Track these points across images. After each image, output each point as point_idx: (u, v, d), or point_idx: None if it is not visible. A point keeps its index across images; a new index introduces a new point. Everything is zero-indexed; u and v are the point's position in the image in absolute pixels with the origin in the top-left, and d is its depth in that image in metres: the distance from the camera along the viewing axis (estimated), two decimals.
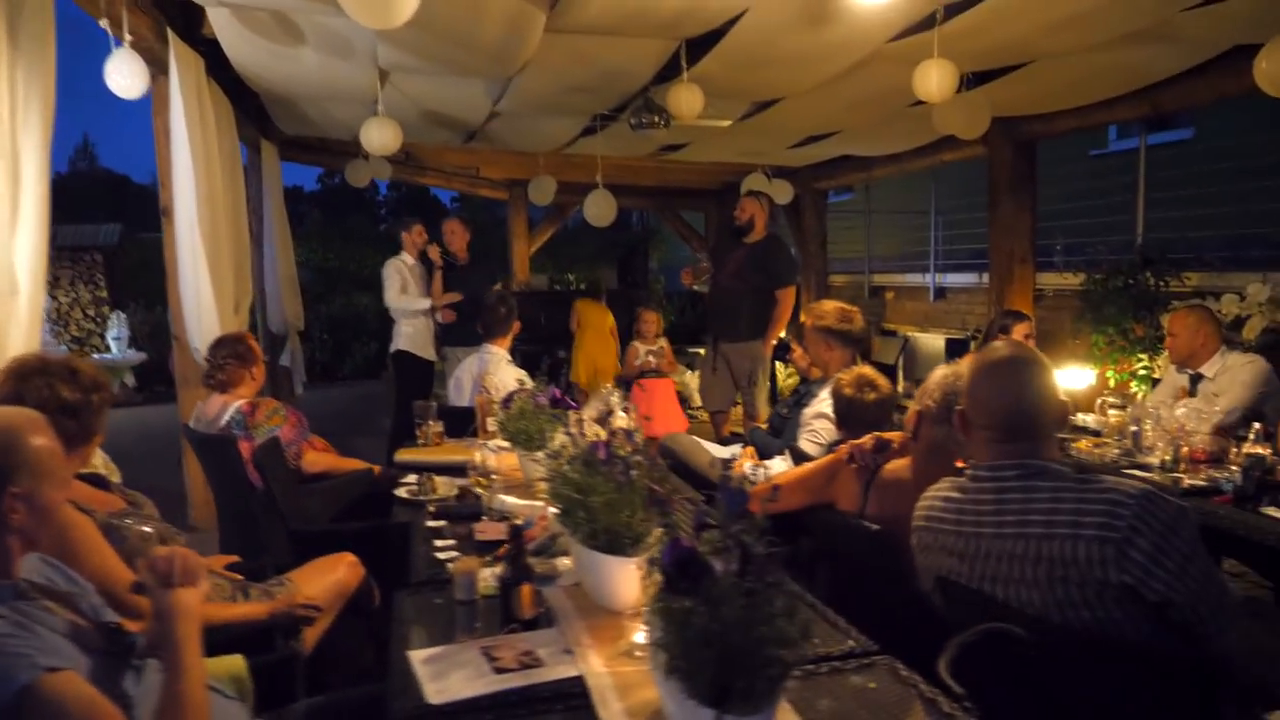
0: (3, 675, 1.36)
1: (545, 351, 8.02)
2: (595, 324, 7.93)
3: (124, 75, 3.71)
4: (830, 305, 3.88)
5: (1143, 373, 5.64)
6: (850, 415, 2.99)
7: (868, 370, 3.13)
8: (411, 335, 6.51)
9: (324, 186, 39.37)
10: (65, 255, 11.68)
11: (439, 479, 3.03)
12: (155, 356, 11.05)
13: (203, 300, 4.85)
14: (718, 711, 1.21)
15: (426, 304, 6.46)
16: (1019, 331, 4.75)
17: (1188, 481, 3.05)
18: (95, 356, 11.17)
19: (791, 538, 1.51)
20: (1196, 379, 4.02)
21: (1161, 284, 5.81)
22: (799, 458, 3.39)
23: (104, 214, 14.61)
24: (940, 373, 2.37)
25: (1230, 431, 3.38)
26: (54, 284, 11.52)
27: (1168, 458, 3.20)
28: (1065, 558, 1.66)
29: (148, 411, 10.45)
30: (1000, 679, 1.55)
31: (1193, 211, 7.69)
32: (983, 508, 1.82)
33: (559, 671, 1.66)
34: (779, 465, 3.71)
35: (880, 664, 1.68)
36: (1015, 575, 1.73)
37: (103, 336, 11.34)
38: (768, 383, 6.54)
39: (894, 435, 2.49)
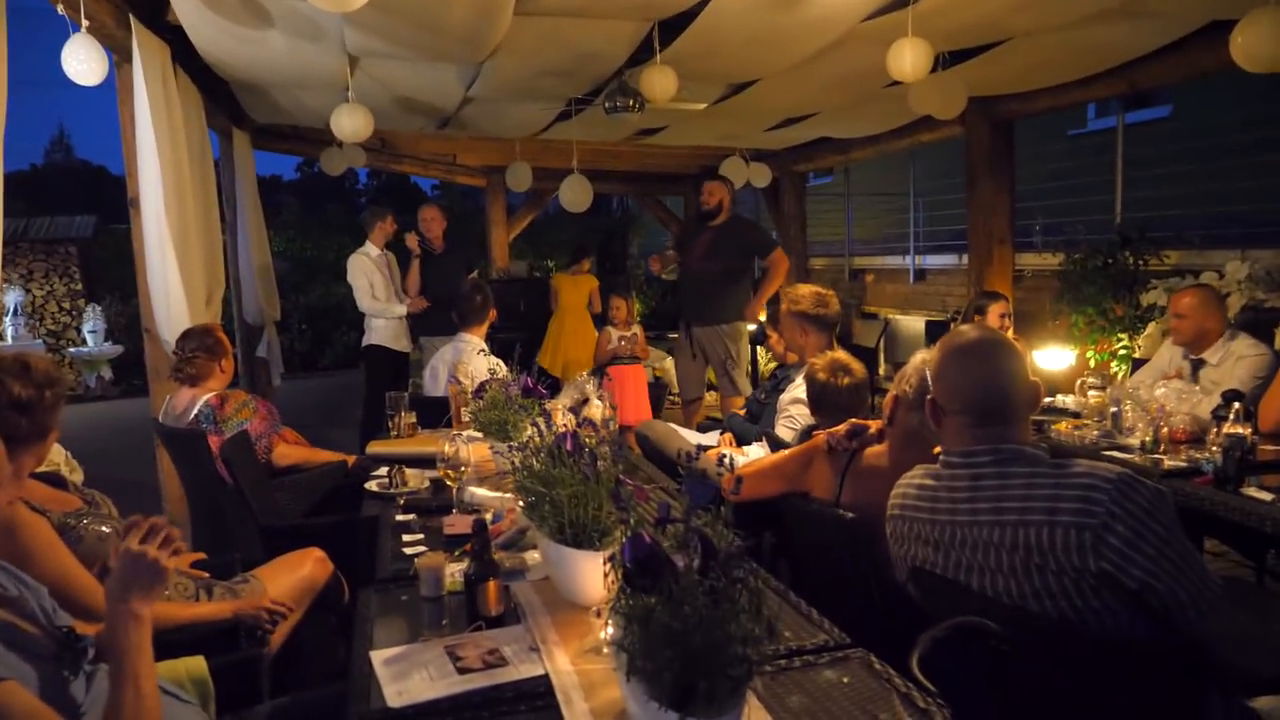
0: None
1: (526, 339, 7.95)
2: (574, 304, 7.83)
3: (81, 61, 3.61)
4: (806, 289, 3.84)
5: (1123, 353, 5.63)
6: (824, 401, 2.95)
7: (841, 355, 3.09)
8: (383, 328, 6.44)
9: (302, 176, 39.09)
10: (39, 248, 11.52)
11: (410, 471, 2.98)
12: (132, 349, 10.90)
13: (172, 292, 4.75)
14: (681, 713, 1.17)
15: (402, 310, 6.40)
16: (994, 311, 4.74)
17: (1168, 463, 3.03)
18: (71, 350, 11.04)
19: (755, 530, 1.45)
20: (1198, 364, 3.88)
21: (1141, 263, 5.79)
22: (776, 445, 3.36)
23: (81, 206, 14.43)
24: (918, 358, 2.33)
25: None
26: (28, 277, 11.36)
27: (1148, 439, 3.18)
28: (1042, 545, 1.62)
29: (125, 405, 10.34)
30: (976, 672, 1.51)
31: (1171, 190, 7.69)
32: (957, 495, 1.78)
33: (524, 671, 1.62)
34: (757, 452, 3.68)
35: (854, 658, 1.64)
36: (991, 564, 1.69)
37: (78, 330, 11.19)
38: (748, 365, 6.55)
39: (871, 422, 2.45)
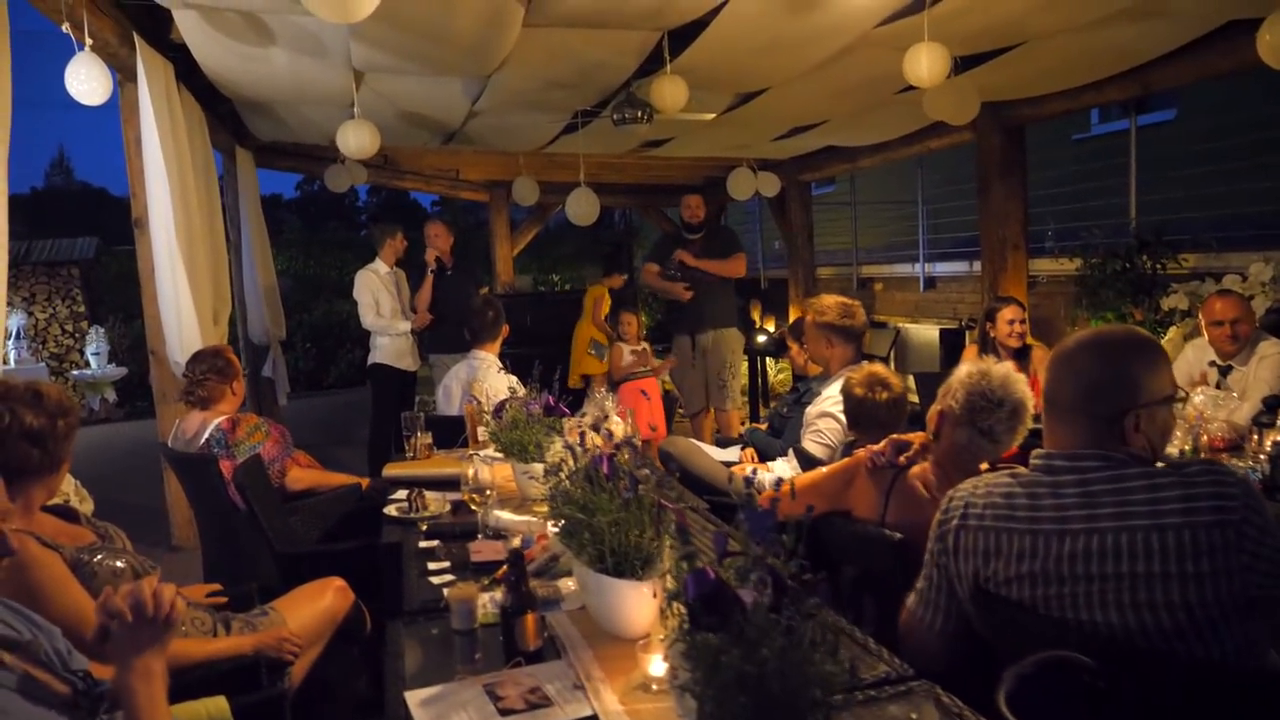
0: None
1: (535, 355, 7.80)
2: (586, 313, 7.67)
3: (84, 80, 3.55)
4: (831, 300, 3.76)
5: None
6: (861, 416, 2.86)
7: (879, 369, 3.00)
8: (387, 346, 6.32)
9: (303, 194, 39.10)
10: (41, 270, 11.46)
11: (430, 494, 2.89)
12: (136, 371, 10.83)
13: (182, 313, 4.69)
14: None
15: (406, 326, 6.29)
16: (1004, 317, 4.63)
17: None
18: (75, 373, 10.96)
19: (829, 563, 1.35)
20: (1227, 369, 3.80)
21: (1159, 267, 5.71)
22: (804, 459, 3.27)
23: (82, 228, 14.36)
24: (963, 371, 2.24)
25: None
26: (30, 300, 11.30)
27: (1186, 447, 3.09)
28: (1183, 549, 1.51)
29: (130, 427, 10.27)
30: (1070, 711, 1.40)
31: (1180, 193, 7.62)
32: (1065, 501, 1.63)
33: (570, 711, 1.53)
34: (782, 467, 3.59)
35: (919, 690, 1.54)
36: (1109, 573, 1.56)
37: (82, 352, 11.12)
38: (744, 376, 6.59)
39: (913, 436, 2.36)
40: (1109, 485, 1.60)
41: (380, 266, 6.35)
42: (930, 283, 9.56)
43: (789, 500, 2.36)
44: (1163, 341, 5.32)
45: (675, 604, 1.20)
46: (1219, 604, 1.50)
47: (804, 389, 4.02)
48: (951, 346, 7.25)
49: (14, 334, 10.43)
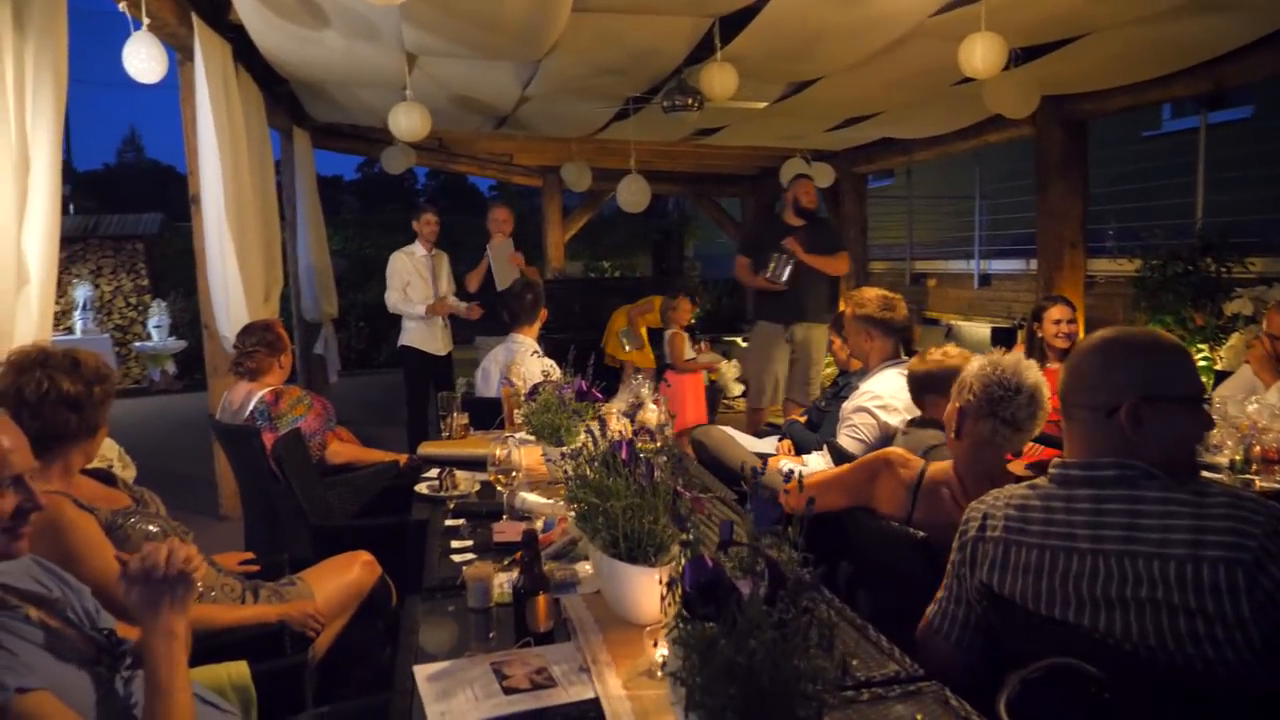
0: None
1: (584, 341, 7.82)
2: (637, 304, 7.67)
3: (141, 59, 3.63)
4: (872, 293, 3.69)
5: (1203, 364, 5.38)
6: (931, 386, 2.80)
7: (937, 351, 2.96)
8: (414, 330, 6.28)
9: (363, 175, 39.66)
10: (108, 244, 11.78)
11: (461, 474, 2.91)
12: (195, 344, 11.06)
13: (231, 288, 4.79)
14: None
15: (420, 310, 6.22)
16: (1052, 315, 4.43)
17: (1260, 483, 2.84)
18: (137, 345, 11.27)
19: (825, 554, 1.32)
20: None
21: (1224, 270, 5.53)
22: (838, 454, 3.23)
23: (150, 204, 14.72)
24: (976, 364, 2.20)
25: None
26: (97, 273, 11.63)
27: (1238, 458, 2.99)
28: (1184, 582, 1.43)
29: (187, 399, 10.52)
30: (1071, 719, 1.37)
31: (1254, 194, 7.36)
32: (1076, 518, 1.58)
33: (573, 693, 1.53)
34: (817, 461, 3.55)
35: (927, 691, 1.51)
36: (1113, 597, 1.50)
37: (144, 325, 11.42)
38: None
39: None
40: (1122, 505, 1.54)
41: (417, 249, 6.30)
42: (985, 280, 9.39)
43: (803, 494, 2.35)
44: (1223, 348, 5.16)
45: (673, 591, 1.19)
46: (1232, 644, 1.40)
47: (843, 383, 3.97)
48: (1003, 346, 7.11)
49: (81, 305, 10.75)
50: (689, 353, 6.63)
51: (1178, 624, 1.43)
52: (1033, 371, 2.16)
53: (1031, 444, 2.76)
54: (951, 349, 2.93)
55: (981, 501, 1.77)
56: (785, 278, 5.89)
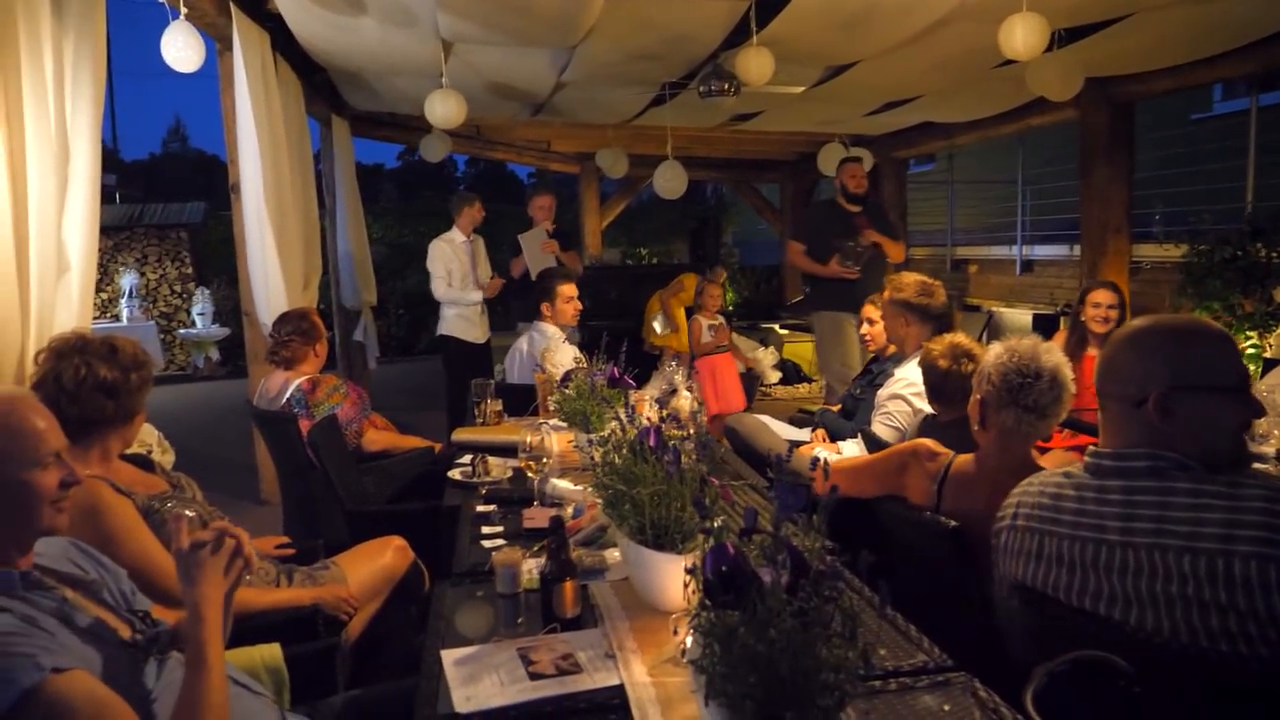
0: (3, 679, 1.28)
1: (621, 328, 7.84)
2: (670, 287, 7.69)
3: (178, 48, 3.67)
4: (911, 278, 3.65)
5: (1252, 352, 5.24)
6: (946, 389, 2.77)
7: (961, 339, 2.88)
8: (455, 319, 6.29)
9: (404, 164, 39.96)
10: (153, 233, 11.98)
11: (493, 460, 2.92)
12: (238, 332, 11.24)
13: (270, 276, 4.84)
14: None
15: (478, 297, 6.22)
16: (1094, 299, 4.30)
17: None
18: (181, 332, 11.46)
19: (849, 542, 1.31)
20: None
21: (1274, 255, 5.38)
22: (872, 442, 3.19)
23: (194, 193, 14.97)
24: (994, 353, 2.16)
25: None
26: (143, 261, 11.84)
27: None
28: (1215, 578, 1.39)
29: (231, 385, 10.68)
30: (1100, 713, 1.34)
31: None
32: (1107, 509, 1.55)
33: (598, 679, 1.53)
34: (851, 449, 3.52)
35: (956, 682, 1.49)
36: (1143, 593, 1.47)
37: (188, 312, 11.61)
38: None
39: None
40: (1152, 496, 1.50)
41: (456, 235, 6.28)
42: (1027, 266, 9.24)
43: (841, 483, 2.33)
44: (1273, 335, 5.03)
45: (694, 578, 1.19)
46: (1265, 641, 1.36)
47: (877, 370, 3.93)
48: (1045, 333, 6.98)
49: (127, 293, 10.95)
50: (705, 337, 6.60)
51: (1209, 620, 1.40)
52: (1052, 354, 2.11)
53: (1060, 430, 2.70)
54: (963, 341, 2.86)
55: (1017, 490, 1.75)
56: (850, 263, 5.73)
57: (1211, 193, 7.50)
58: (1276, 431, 2.98)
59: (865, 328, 4.11)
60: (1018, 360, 2.10)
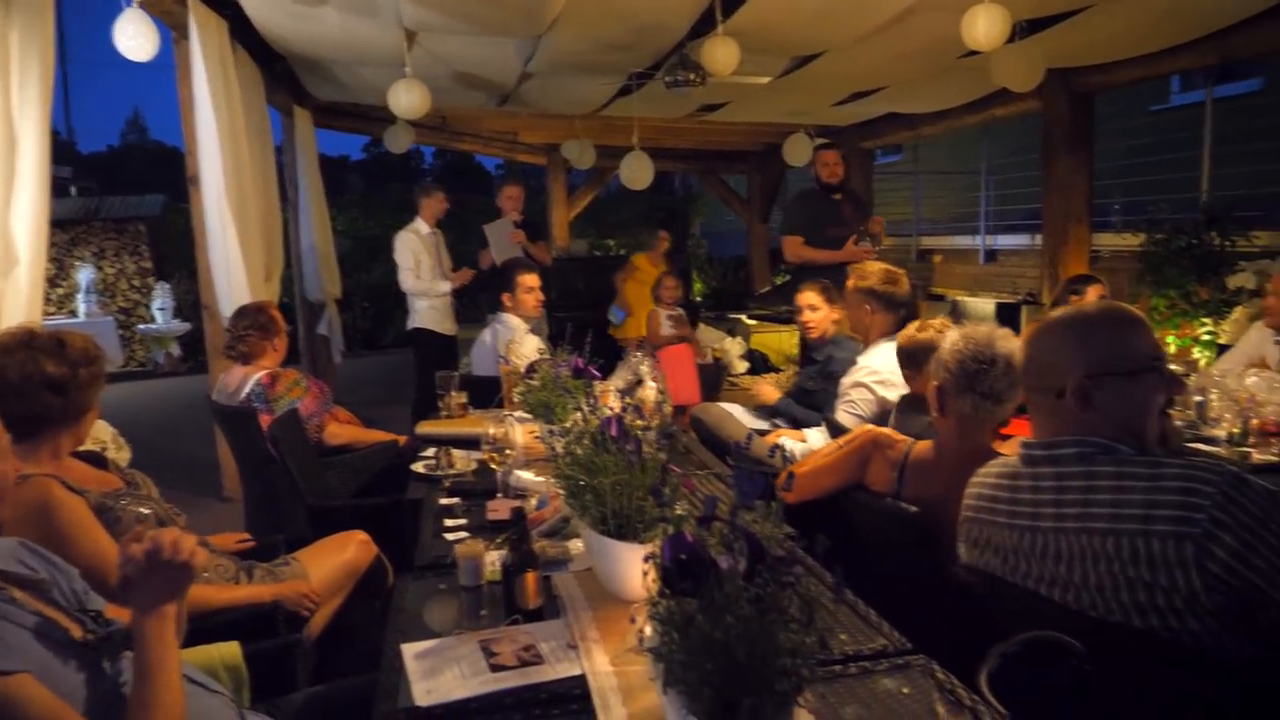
0: None
1: (589, 319, 7.82)
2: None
3: (130, 37, 3.60)
4: (876, 266, 3.67)
5: (1206, 338, 5.34)
6: (918, 356, 2.78)
7: (917, 323, 2.93)
8: (427, 311, 6.24)
9: (369, 155, 39.56)
10: (110, 226, 11.77)
11: (457, 453, 2.90)
12: (199, 326, 11.08)
13: (231, 269, 4.78)
14: None
15: (446, 288, 6.18)
16: (1093, 294, 4.38)
17: (1257, 456, 2.82)
18: (141, 327, 11.27)
19: (808, 528, 1.32)
20: None
21: (1228, 244, 5.47)
22: (835, 431, 3.21)
23: (154, 186, 14.70)
24: (949, 341, 2.18)
25: None
26: (100, 255, 11.63)
27: (1236, 430, 2.97)
28: (1137, 557, 1.43)
29: (192, 381, 10.53)
30: (1053, 693, 1.36)
31: (1262, 167, 7.28)
32: (1041, 496, 1.60)
33: (560, 670, 1.52)
34: (817, 437, 3.54)
35: (915, 665, 1.51)
36: (1076, 579, 1.51)
37: (148, 307, 11.42)
38: None
39: None
40: (1079, 481, 1.55)
41: (421, 226, 6.23)
42: (991, 255, 9.34)
43: (806, 482, 2.35)
44: (1227, 321, 5.12)
45: (652, 566, 1.18)
46: (1193, 614, 1.40)
47: (824, 359, 3.95)
48: (1007, 322, 7.07)
49: (84, 288, 10.76)
50: (665, 329, 6.61)
51: (1137, 597, 1.44)
52: (1007, 341, 2.14)
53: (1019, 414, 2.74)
54: (935, 321, 2.89)
55: (974, 481, 1.79)
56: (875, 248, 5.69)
57: (1169, 183, 7.63)
58: (1229, 415, 3.04)
59: (806, 314, 4.10)
60: (974, 347, 2.12)
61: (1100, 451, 1.55)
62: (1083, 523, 1.52)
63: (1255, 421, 2.96)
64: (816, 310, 4.04)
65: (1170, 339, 5.53)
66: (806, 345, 4.37)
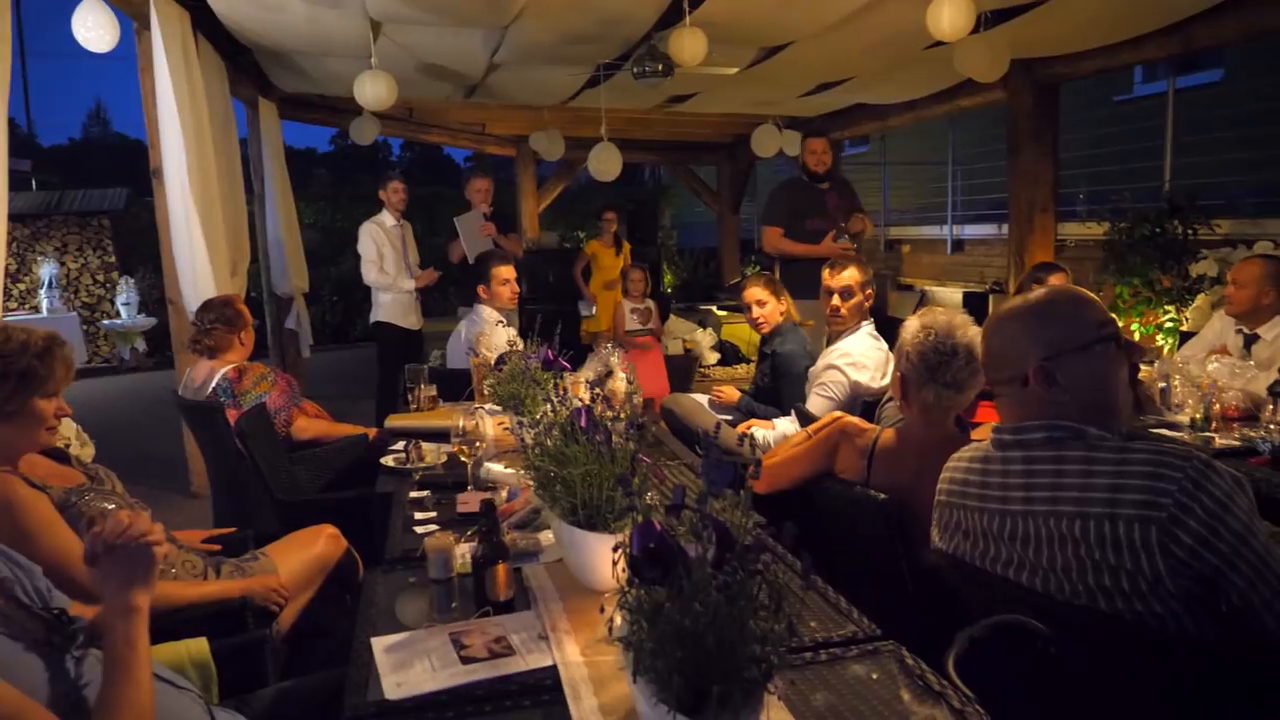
0: None
1: (558, 311, 7.80)
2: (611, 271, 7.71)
3: (90, 27, 3.54)
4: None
5: (1169, 325, 5.42)
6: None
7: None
8: (390, 304, 6.18)
9: (337, 148, 39.14)
10: (73, 221, 11.56)
11: (427, 446, 2.88)
12: (165, 321, 10.93)
13: (197, 263, 4.71)
14: (693, 718, 1.06)
15: (410, 285, 6.12)
16: (1055, 282, 4.44)
17: (1219, 441, 2.87)
18: (105, 323, 11.11)
19: (777, 516, 1.33)
20: (1251, 339, 3.69)
21: (1190, 232, 5.56)
22: (805, 419, 3.23)
23: (118, 179, 14.45)
24: (910, 331, 2.20)
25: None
26: (63, 250, 11.43)
27: (1198, 416, 3.02)
28: (1103, 540, 1.44)
29: (159, 376, 10.40)
30: (1019, 675, 1.38)
31: (1223, 156, 7.40)
32: (1010, 480, 1.62)
33: (531, 661, 1.52)
34: (786, 425, 3.56)
35: (885, 651, 1.52)
36: (1044, 562, 1.53)
37: (112, 302, 11.25)
38: None
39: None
40: (1049, 465, 1.57)
41: (385, 218, 6.15)
42: (958, 245, 9.42)
43: (777, 472, 2.36)
44: (1190, 309, 5.20)
45: (621, 556, 1.19)
46: (1157, 597, 1.43)
47: (771, 352, 3.98)
48: (975, 311, 7.13)
49: (46, 283, 10.57)
50: (630, 323, 6.61)
51: (1102, 580, 1.46)
52: (967, 329, 2.16)
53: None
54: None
55: (947, 466, 1.81)
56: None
57: (1132, 172, 7.73)
58: (1191, 401, 3.09)
59: (755, 310, 4.09)
60: (934, 338, 2.14)
61: (1070, 436, 1.57)
62: (1051, 506, 1.54)
63: (1217, 407, 3.01)
64: (764, 305, 4.04)
65: (1134, 326, 5.61)
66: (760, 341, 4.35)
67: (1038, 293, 1.69)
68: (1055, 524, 1.52)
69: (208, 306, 3.76)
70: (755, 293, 4.07)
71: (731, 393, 4.14)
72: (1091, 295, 1.68)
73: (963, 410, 2.22)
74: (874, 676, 1.44)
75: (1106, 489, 1.47)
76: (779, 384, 3.85)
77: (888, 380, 3.33)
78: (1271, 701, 1.38)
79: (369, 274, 6.12)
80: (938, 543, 1.77)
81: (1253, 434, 2.86)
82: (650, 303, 6.86)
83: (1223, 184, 6.94)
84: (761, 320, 4.09)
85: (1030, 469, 1.60)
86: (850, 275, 3.76)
